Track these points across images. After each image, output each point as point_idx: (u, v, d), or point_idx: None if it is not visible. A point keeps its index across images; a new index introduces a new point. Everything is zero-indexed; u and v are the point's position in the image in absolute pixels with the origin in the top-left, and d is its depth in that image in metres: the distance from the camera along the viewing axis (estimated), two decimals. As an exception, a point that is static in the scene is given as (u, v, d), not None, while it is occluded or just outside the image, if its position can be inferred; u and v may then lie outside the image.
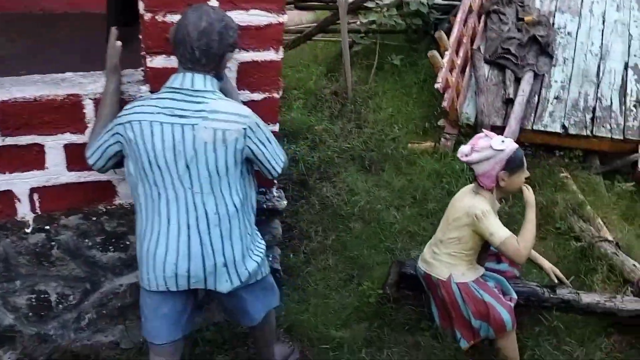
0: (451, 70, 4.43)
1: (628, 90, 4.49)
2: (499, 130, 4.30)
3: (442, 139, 4.49)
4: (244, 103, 2.17)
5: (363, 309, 2.78)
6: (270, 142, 1.98)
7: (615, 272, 3.04)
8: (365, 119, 5.09)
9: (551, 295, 2.67)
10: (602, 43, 4.89)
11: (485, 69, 4.80)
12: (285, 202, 2.59)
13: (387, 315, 2.74)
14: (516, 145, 2.53)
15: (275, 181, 2.60)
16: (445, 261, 2.58)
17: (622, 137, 4.21)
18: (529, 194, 2.57)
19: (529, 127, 4.38)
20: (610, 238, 3.35)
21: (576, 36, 4.98)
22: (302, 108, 5.10)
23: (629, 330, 2.76)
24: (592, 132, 4.27)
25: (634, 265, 2.90)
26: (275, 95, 2.32)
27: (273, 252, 2.66)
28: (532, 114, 4.46)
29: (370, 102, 5.38)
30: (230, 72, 2.20)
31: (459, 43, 4.59)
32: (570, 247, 3.43)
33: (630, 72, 4.63)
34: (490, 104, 4.55)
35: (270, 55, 2.23)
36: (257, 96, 2.30)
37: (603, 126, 4.29)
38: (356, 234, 3.52)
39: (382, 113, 5.17)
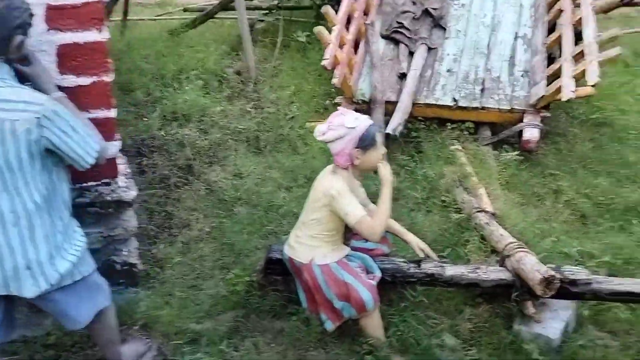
0: (342, 46, 4.35)
1: (516, 61, 4.54)
2: (394, 105, 4.30)
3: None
4: (69, 89, 2.02)
5: (231, 299, 2.70)
6: (75, 130, 1.83)
7: (485, 243, 3.07)
8: (266, 99, 4.98)
9: (416, 270, 2.66)
10: (494, 14, 4.92)
11: (381, 44, 4.76)
12: (134, 193, 2.45)
13: (253, 303, 2.67)
14: (369, 122, 2.48)
15: (125, 169, 2.46)
16: (307, 244, 2.52)
17: (509, 108, 4.25)
18: (384, 171, 2.53)
19: (422, 101, 4.37)
20: (488, 208, 3.38)
21: (470, 8, 4.99)
22: (199, 89, 4.93)
23: (497, 299, 2.79)
24: (481, 103, 4.31)
25: (501, 234, 2.93)
26: (106, 78, 2.18)
27: (128, 246, 2.53)
28: (425, 88, 4.45)
29: (273, 81, 5.27)
30: (48, 55, 2.03)
31: (349, 18, 4.51)
32: (451, 220, 3.45)
33: (519, 41, 4.67)
34: (386, 79, 4.52)
35: (92, 35, 2.08)
36: (84, 80, 2.15)
37: (492, 97, 4.33)
38: (238, 219, 3.43)
39: (283, 92, 5.06)
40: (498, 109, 4.27)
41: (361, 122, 2.44)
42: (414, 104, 4.34)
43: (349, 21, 4.56)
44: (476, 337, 2.67)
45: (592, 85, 3.76)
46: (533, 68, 4.40)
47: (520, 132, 4.15)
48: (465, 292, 2.82)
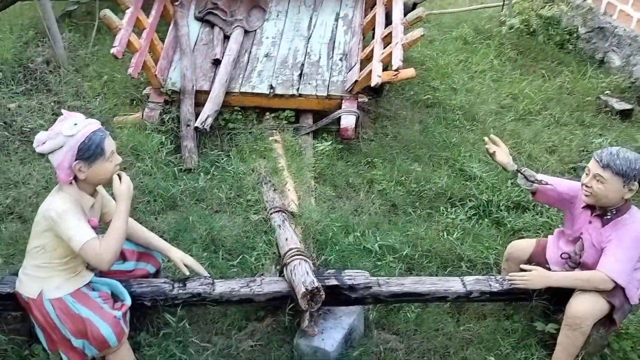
0: (143, 31, 3.93)
1: (336, 43, 4.35)
2: (207, 95, 3.96)
3: (146, 109, 4.02)
4: None
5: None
6: None
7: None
8: (73, 91, 4.46)
9: (180, 291, 2.36)
10: (314, -6, 4.70)
11: (195, 27, 4.39)
12: None
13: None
14: (92, 129, 2.12)
15: None
16: (34, 275, 2.14)
17: (326, 94, 4.05)
18: (118, 185, 2.19)
19: (237, 90, 4.07)
20: (291, 207, 3.16)
21: (292, -11, 4.73)
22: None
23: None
24: (298, 90, 4.07)
25: (286, 239, 2.70)
26: None
27: None
28: (241, 75, 4.15)
29: (85, 70, 4.75)
30: None
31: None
32: (250, 222, 3.20)
33: (340, 23, 4.48)
34: (199, 66, 4.16)
35: None
36: None
37: (309, 83, 4.11)
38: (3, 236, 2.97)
39: (95, 82, 4.56)
40: (316, 95, 4.06)
41: (81, 129, 2.07)
42: (229, 93, 4.03)
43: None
44: (254, 357, 2.44)
45: (396, 70, 3.62)
46: (350, 51, 4.22)
47: (339, 119, 3.97)
48: (249, 306, 2.58)
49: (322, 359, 2.41)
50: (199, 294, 2.37)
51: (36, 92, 4.42)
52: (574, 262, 2.51)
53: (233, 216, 3.31)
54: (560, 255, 2.55)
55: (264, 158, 3.72)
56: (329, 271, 2.53)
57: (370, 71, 3.81)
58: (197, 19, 4.41)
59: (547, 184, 2.57)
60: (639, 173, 2.30)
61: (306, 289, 2.25)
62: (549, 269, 2.56)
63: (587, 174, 2.39)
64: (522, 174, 2.58)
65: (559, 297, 2.46)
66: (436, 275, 2.89)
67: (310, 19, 4.50)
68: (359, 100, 4.05)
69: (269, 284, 2.44)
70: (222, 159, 3.77)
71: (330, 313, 2.55)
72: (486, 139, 2.63)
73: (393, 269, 2.96)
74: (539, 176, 2.61)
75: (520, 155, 4.33)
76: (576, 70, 5.85)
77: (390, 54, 3.70)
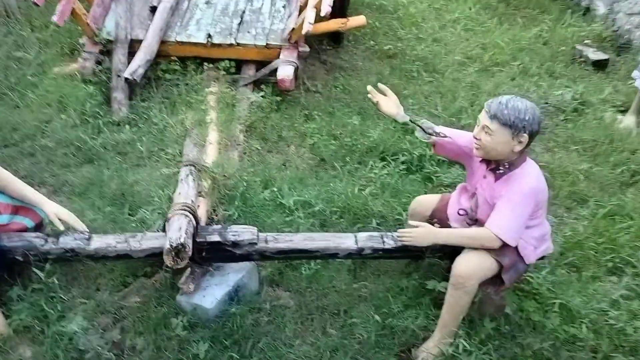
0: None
1: (281, -12, 4.14)
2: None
3: (79, 59, 3.91)
4: None
5: None
6: None
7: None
8: (23, 41, 4.35)
9: (53, 246, 2.30)
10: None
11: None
12: None
13: None
14: None
15: None
16: None
17: (264, 44, 3.88)
18: None
19: (173, 39, 3.92)
20: (206, 161, 3.04)
21: None
22: None
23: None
24: (236, 39, 3.90)
25: (179, 193, 2.60)
26: None
27: None
28: (179, 23, 3.99)
29: (28, 17, 4.62)
30: None
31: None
32: (162, 176, 3.11)
33: (286, -33, 4.25)
34: (137, 14, 4.02)
35: None
36: None
37: (248, 32, 3.93)
38: None
39: (46, 31, 4.45)
40: (254, 45, 3.89)
41: None
42: (165, 43, 3.89)
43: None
44: (133, 314, 2.38)
45: (322, 17, 3.42)
46: (293, -2, 4.02)
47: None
48: (138, 262, 2.50)
49: (202, 316, 2.34)
50: (72, 250, 2.30)
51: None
52: (471, 219, 2.37)
53: (151, 170, 3.21)
54: (458, 211, 2.41)
55: (194, 110, 3.59)
56: (214, 227, 2.43)
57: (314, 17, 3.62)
58: (137, -35, 4.23)
59: (445, 136, 2.40)
60: (528, 124, 2.12)
61: (170, 245, 2.16)
62: (449, 226, 2.42)
63: (477, 125, 2.21)
64: (418, 125, 2.41)
65: (452, 254, 2.33)
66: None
67: (252, -35, 4.28)
68: (300, 49, 3.86)
69: (148, 240, 2.35)
70: (152, 111, 3.65)
71: (218, 270, 2.47)
72: (369, 87, 2.45)
73: (303, 225, 2.85)
74: (439, 128, 2.43)
75: (474, 107, 4.12)
76: (556, 19, 5.54)
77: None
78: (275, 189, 3.07)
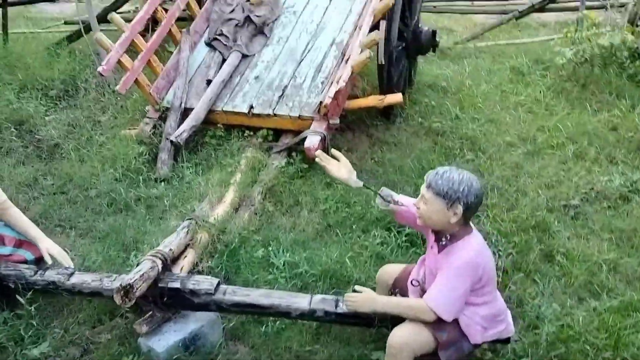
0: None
1: (323, 67, 4.39)
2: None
3: (142, 124, 4.41)
4: None
5: None
6: None
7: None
8: (109, 107, 4.99)
9: (38, 277, 2.59)
10: (321, 20, 4.79)
11: (203, 52, 4.73)
12: None
13: None
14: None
15: None
16: None
17: (297, 115, 4.11)
18: None
19: (220, 108, 4.30)
20: (209, 218, 3.25)
21: (300, 15, 4.89)
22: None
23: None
24: (274, 110, 4.18)
25: (164, 241, 2.80)
26: None
27: None
28: (228, 95, 4.37)
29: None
30: None
31: (152, 24, 4.51)
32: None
33: (333, 48, 4.52)
34: (195, 86, 4.48)
35: None
36: None
37: (286, 104, 4.20)
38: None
39: (131, 99, 5.06)
40: (289, 116, 4.14)
41: None
42: (213, 111, 4.28)
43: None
44: (98, 349, 2.57)
45: (337, 91, 3.58)
46: (333, 74, 4.25)
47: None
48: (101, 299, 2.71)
49: (153, 358, 2.46)
50: (54, 282, 2.57)
51: (72, 107, 5.01)
52: (422, 290, 2.29)
53: (167, 223, 3.48)
54: (411, 281, 2.34)
55: (223, 172, 3.87)
56: (179, 275, 2.59)
57: (337, 92, 3.81)
58: (206, 44, 4.75)
59: (402, 204, 2.39)
60: (463, 195, 2.07)
61: (120, 284, 2.34)
62: (408, 296, 2.36)
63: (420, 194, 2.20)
64: (374, 192, 2.43)
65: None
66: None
67: (308, 44, 4.60)
68: (330, 122, 4.04)
69: (118, 281, 2.55)
70: (188, 170, 3.98)
71: (181, 317, 2.60)
72: (318, 152, 2.51)
73: (283, 285, 2.91)
74: (398, 196, 2.43)
75: (509, 187, 3.98)
76: (633, 105, 5.21)
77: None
78: (271, 249, 3.18)
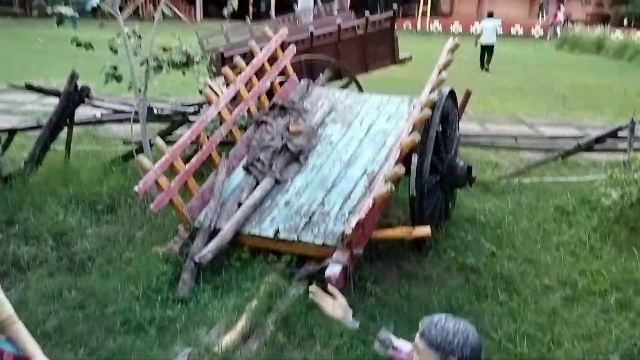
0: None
1: (352, 196, 4.42)
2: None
3: (171, 242, 4.49)
4: None
5: None
6: None
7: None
8: (148, 223, 5.14)
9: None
10: (355, 151, 4.91)
11: (240, 175, 4.87)
12: None
13: None
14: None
15: None
16: None
17: (321, 242, 4.09)
18: None
19: (248, 231, 4.34)
20: (215, 345, 3.16)
21: (336, 145, 5.03)
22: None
23: None
24: (299, 237, 4.18)
25: None
26: None
27: None
28: (257, 218, 4.43)
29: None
30: None
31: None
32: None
33: (364, 178, 4.57)
34: (228, 209, 4.57)
35: None
36: None
37: (311, 231, 4.20)
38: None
39: (168, 217, 5.21)
40: (313, 243, 4.11)
41: None
42: (241, 234, 4.32)
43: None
44: None
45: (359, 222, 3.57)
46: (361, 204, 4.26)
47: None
48: None
49: None
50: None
51: (113, 222, 5.19)
52: None
53: (173, 348, 3.40)
54: None
55: (241, 297, 3.81)
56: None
57: (358, 224, 3.79)
58: (244, 168, 4.92)
59: (400, 350, 2.23)
60: (458, 348, 1.91)
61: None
62: None
63: None
64: (374, 336, 2.29)
65: None
66: None
67: (340, 173, 4.68)
68: (355, 251, 3.97)
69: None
70: (206, 292, 3.95)
71: None
72: (312, 287, 2.41)
73: None
74: (398, 341, 2.28)
75: (543, 335, 3.69)
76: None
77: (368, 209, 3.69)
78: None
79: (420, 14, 37.70)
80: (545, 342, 3.64)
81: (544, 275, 4.52)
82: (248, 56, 5.55)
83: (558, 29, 34.29)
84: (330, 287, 2.47)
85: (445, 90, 4.99)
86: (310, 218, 4.31)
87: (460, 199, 6.12)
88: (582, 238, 5.21)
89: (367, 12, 7.20)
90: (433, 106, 4.74)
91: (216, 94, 5.04)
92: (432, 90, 4.55)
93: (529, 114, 11.55)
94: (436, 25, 38.09)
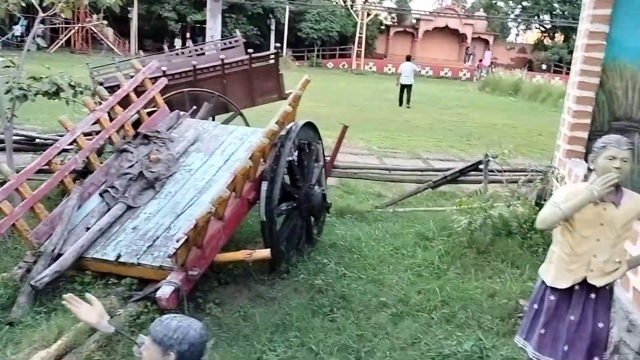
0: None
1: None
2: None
3: (16, 268, 4.50)
4: None
5: None
6: None
7: None
8: None
9: None
10: (212, 178, 5.10)
11: (96, 201, 4.96)
12: None
13: None
14: None
15: None
16: None
17: (158, 265, 4.21)
18: None
19: (90, 256, 4.41)
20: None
21: (194, 173, 5.21)
22: None
23: None
24: (138, 260, 4.29)
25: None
26: None
27: None
28: (102, 243, 4.51)
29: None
30: None
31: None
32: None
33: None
34: (77, 234, 4.64)
35: None
36: None
37: (152, 254, 4.32)
38: None
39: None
40: (151, 265, 4.23)
41: None
42: (83, 258, 4.39)
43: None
44: None
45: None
46: (201, 228, 4.42)
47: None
48: None
49: None
50: None
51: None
52: None
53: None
54: None
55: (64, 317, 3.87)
56: None
57: (185, 244, 3.95)
58: (99, 194, 5.02)
59: (146, 349, 2.38)
60: (176, 343, 2.08)
61: None
62: None
63: None
64: (129, 339, 2.44)
65: None
66: None
67: (192, 199, 4.86)
68: (189, 273, 4.12)
69: None
70: (40, 316, 3.99)
71: None
72: (67, 295, 2.56)
73: None
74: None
75: (362, 347, 3.91)
76: (521, 272, 5.28)
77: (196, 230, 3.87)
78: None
79: (355, 55, 39.04)
80: (359, 352, 3.85)
81: (384, 294, 4.78)
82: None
83: (484, 72, 36.21)
84: (88, 296, 2.60)
85: (301, 122, 5.30)
86: (153, 242, 4.44)
87: (333, 227, 6.40)
88: (433, 261, 5.53)
89: (250, 50, 7.55)
90: (286, 137, 5.04)
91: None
92: (279, 122, 4.82)
93: (429, 150, 12.12)
94: (371, 65, 39.50)
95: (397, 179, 7.41)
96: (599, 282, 3.08)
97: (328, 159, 6.36)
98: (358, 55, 39.01)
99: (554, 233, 3.24)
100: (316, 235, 5.77)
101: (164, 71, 6.85)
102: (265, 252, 4.43)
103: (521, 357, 3.68)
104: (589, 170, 3.11)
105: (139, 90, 5.84)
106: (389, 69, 38.68)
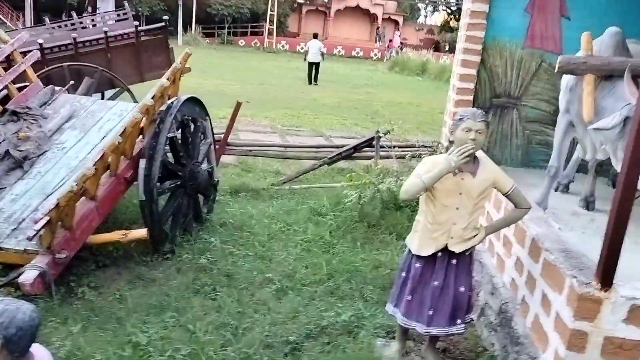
0: None
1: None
2: None
3: None
4: None
5: None
6: None
7: None
8: None
9: None
10: (86, 157, 4.82)
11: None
12: None
13: None
14: None
15: None
16: None
17: (22, 249, 3.95)
18: None
19: (-53, 242, 4.06)
20: None
21: (68, 151, 4.92)
22: None
23: None
24: (1, 244, 4.00)
25: None
26: None
27: None
28: (-40, 229, 4.17)
29: None
30: None
31: None
32: None
33: (84, 183, 4.50)
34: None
35: None
36: None
37: (16, 237, 4.04)
38: None
39: None
40: (14, 249, 3.96)
41: None
42: None
43: None
44: None
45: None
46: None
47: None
48: None
49: None
50: None
51: None
52: None
53: None
54: None
55: None
56: None
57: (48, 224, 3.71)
58: (-38, 176, 4.63)
59: None
60: (3, 328, 1.95)
61: None
62: None
63: None
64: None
65: None
66: None
67: (63, 179, 4.58)
68: (57, 256, 3.89)
69: None
70: None
71: None
72: None
73: None
74: None
75: (240, 324, 3.86)
76: (404, 244, 5.42)
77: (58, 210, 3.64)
78: None
79: (267, 33, 38.59)
80: (238, 329, 3.81)
81: (271, 270, 4.75)
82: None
83: (394, 52, 36.97)
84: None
85: (183, 97, 5.11)
86: (19, 224, 4.15)
87: (227, 205, 6.30)
88: (323, 235, 5.56)
89: (136, 22, 7.21)
90: (166, 112, 4.84)
91: None
92: (155, 97, 4.62)
93: (333, 127, 12.22)
94: (283, 44, 39.22)
95: (293, 156, 7.38)
96: (458, 249, 3.20)
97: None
98: (270, 33, 38.62)
99: (420, 203, 3.32)
100: (206, 214, 5.65)
101: (40, 44, 6.38)
102: (142, 232, 4.27)
103: (395, 323, 3.78)
104: (450, 142, 3.20)
105: (11, 65, 5.42)
106: (302, 48, 38.50)
